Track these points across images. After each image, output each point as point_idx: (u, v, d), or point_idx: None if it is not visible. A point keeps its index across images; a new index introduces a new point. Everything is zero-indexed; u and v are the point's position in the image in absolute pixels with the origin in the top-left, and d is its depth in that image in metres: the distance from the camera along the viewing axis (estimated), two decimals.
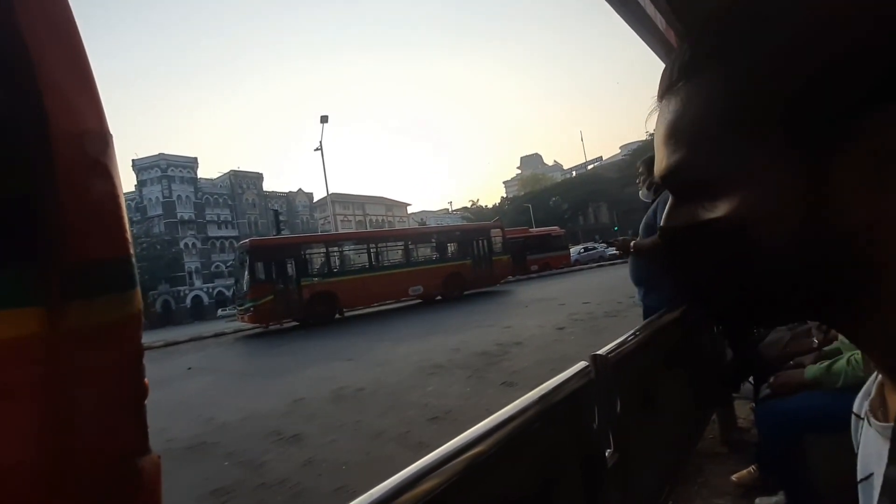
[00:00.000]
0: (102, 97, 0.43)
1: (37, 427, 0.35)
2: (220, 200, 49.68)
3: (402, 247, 15.77)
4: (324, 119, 23.34)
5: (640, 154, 29.56)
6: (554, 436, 1.05)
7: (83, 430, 0.38)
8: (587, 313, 7.99)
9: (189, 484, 2.98)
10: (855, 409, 0.36)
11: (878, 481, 0.29)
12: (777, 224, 0.25)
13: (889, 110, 0.21)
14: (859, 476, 0.32)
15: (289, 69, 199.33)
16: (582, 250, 29.54)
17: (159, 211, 45.09)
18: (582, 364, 1.21)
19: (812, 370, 1.62)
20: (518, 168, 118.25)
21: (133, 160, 45.39)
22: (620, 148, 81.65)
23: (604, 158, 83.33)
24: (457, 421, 3.49)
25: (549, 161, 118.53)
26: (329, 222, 46.12)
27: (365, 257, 15.09)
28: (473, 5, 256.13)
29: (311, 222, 56.83)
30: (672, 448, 1.89)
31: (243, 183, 52.03)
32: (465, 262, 16.43)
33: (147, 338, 0.46)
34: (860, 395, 0.35)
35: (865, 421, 0.32)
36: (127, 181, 44.53)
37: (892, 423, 0.28)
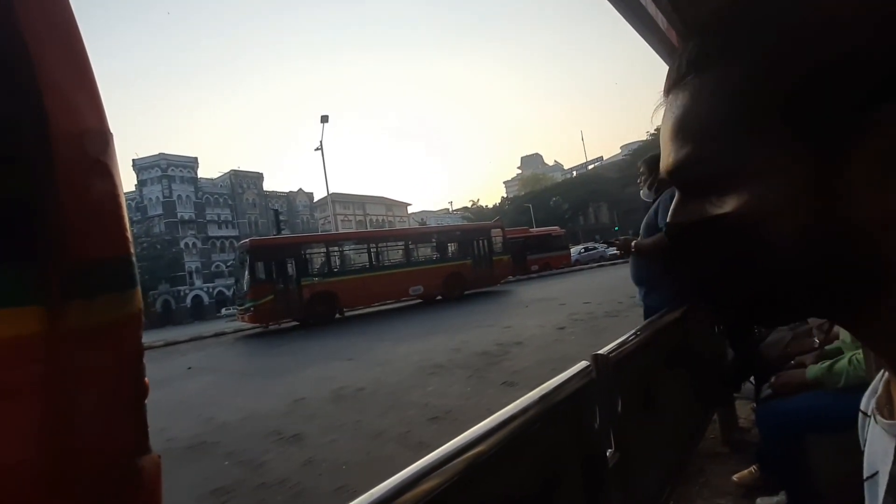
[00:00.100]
0: (103, 97, 0.43)
1: (37, 426, 0.35)
2: (221, 200, 49.70)
3: (403, 247, 15.77)
4: (324, 119, 23.36)
5: (640, 154, 29.54)
6: (555, 436, 1.05)
7: (83, 429, 0.38)
8: (588, 313, 7.98)
9: (189, 483, 2.98)
10: (862, 406, 0.35)
11: (883, 479, 0.29)
12: (787, 220, 0.24)
13: None
14: (865, 474, 0.32)
15: (289, 69, 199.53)
16: (582, 250, 29.52)
17: (159, 211, 45.11)
18: (583, 364, 1.21)
19: (813, 370, 1.62)
20: (518, 168, 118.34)
21: (133, 160, 45.47)
22: (621, 148, 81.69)
23: (604, 158, 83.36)
24: (457, 421, 3.49)
25: (549, 161, 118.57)
26: (329, 222, 46.16)
27: (365, 257, 15.09)
28: (474, 5, 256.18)
29: (311, 222, 56.85)
30: (673, 448, 1.89)
31: (244, 183, 52.06)
32: (466, 262, 16.42)
33: (147, 337, 0.46)
34: (868, 392, 0.35)
35: (872, 418, 0.32)
36: (127, 181, 44.57)
37: None
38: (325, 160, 24.20)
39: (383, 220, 62.15)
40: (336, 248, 14.68)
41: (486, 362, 5.32)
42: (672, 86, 0.30)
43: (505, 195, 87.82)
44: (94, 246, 0.41)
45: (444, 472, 0.70)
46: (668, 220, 0.31)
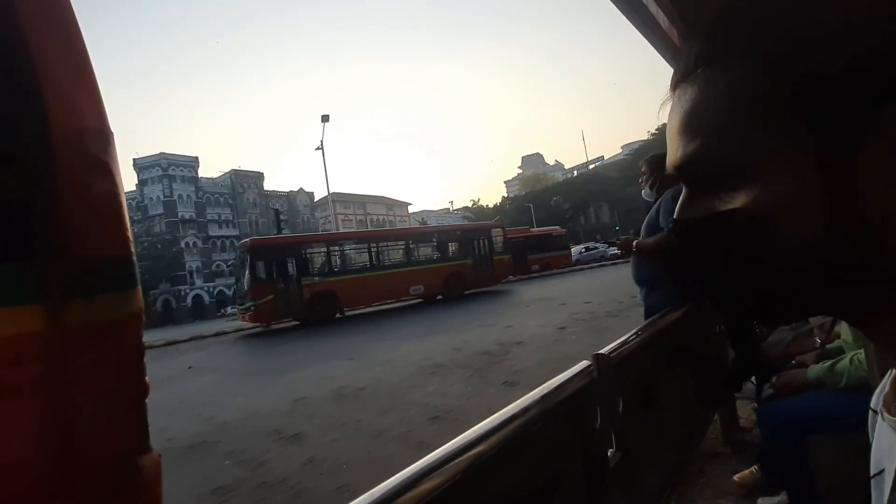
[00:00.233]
0: (103, 96, 0.43)
1: (37, 426, 0.35)
2: (221, 200, 49.76)
3: (403, 246, 15.77)
4: (325, 118, 23.37)
5: (642, 153, 29.55)
6: (556, 435, 1.05)
7: (84, 428, 0.37)
8: (588, 313, 7.98)
9: (190, 483, 2.98)
10: (872, 404, 0.35)
11: (889, 476, 0.29)
12: (799, 215, 0.24)
13: None
14: (872, 471, 0.32)
15: (289, 69, 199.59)
16: (583, 250, 29.53)
17: (160, 210, 45.17)
18: (584, 363, 1.20)
19: (815, 370, 1.61)
20: (519, 167, 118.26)
21: (134, 159, 45.53)
22: (622, 147, 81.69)
23: (605, 158, 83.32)
24: (458, 420, 3.49)
25: (550, 160, 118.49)
26: (330, 221, 46.21)
27: (366, 257, 15.10)
28: (475, 4, 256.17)
29: (311, 221, 56.89)
30: (674, 448, 1.88)
31: (244, 182, 52.10)
32: (466, 262, 16.42)
33: (148, 337, 0.46)
34: (877, 390, 0.35)
35: (880, 416, 0.32)
36: (128, 180, 44.64)
37: None
38: (326, 160, 24.24)
39: (384, 219, 62.18)
40: (336, 248, 14.69)
41: (486, 362, 5.32)
42: (680, 80, 0.29)
43: (506, 195, 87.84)
44: (94, 245, 0.40)
45: (444, 472, 0.70)
46: (674, 216, 0.31)
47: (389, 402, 4.27)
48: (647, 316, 2.26)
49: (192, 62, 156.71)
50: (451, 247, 16.82)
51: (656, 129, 49.54)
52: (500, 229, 17.92)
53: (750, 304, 0.29)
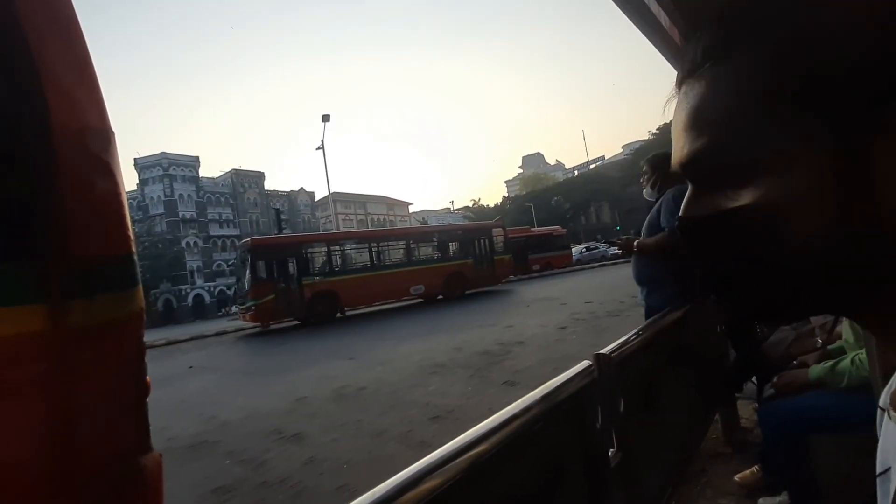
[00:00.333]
0: (104, 95, 0.43)
1: (38, 425, 0.35)
2: (222, 199, 49.79)
3: (404, 246, 15.77)
4: (325, 118, 23.37)
5: (642, 153, 29.51)
6: (557, 435, 1.05)
7: (85, 428, 0.37)
8: (589, 313, 7.98)
9: (190, 482, 2.99)
10: (880, 402, 0.35)
11: None
12: (810, 210, 0.24)
13: None
14: (878, 469, 0.31)
15: (290, 68, 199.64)
16: (584, 250, 29.51)
17: (161, 210, 45.20)
18: (585, 363, 1.20)
19: (816, 370, 1.61)
20: (520, 167, 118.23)
21: (135, 159, 45.57)
22: (623, 147, 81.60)
23: (606, 158, 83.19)
24: (459, 420, 3.49)
25: (551, 160, 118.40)
26: (331, 221, 46.24)
27: (366, 256, 15.10)
28: (476, 4, 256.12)
29: (312, 221, 56.92)
30: (675, 448, 1.88)
31: (245, 182, 52.13)
32: (467, 262, 16.42)
33: (149, 336, 0.46)
34: (886, 388, 0.34)
35: (886, 413, 0.32)
36: (129, 180, 44.70)
37: None
38: (327, 159, 24.26)
39: (384, 219, 62.19)
40: (337, 248, 14.69)
41: (487, 362, 5.32)
42: (686, 77, 0.29)
43: (506, 194, 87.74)
44: (95, 244, 0.40)
45: (445, 472, 0.70)
46: (680, 214, 0.30)
47: (390, 401, 4.27)
48: (647, 316, 2.26)
49: (193, 62, 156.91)
50: (452, 246, 16.82)
51: (657, 129, 49.50)
52: (500, 229, 17.92)
53: (756, 301, 0.28)
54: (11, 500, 0.34)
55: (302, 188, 58.61)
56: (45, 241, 0.37)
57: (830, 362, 1.58)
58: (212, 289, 45.58)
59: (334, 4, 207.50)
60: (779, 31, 0.24)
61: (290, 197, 56.88)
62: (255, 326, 13.26)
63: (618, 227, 39.73)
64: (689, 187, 0.31)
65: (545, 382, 1.06)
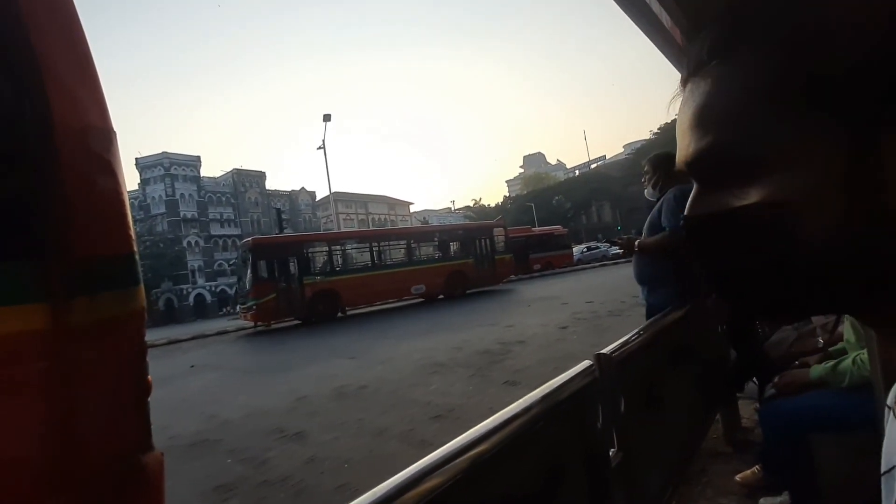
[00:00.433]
0: (106, 95, 0.43)
1: (40, 423, 0.35)
2: (223, 199, 49.80)
3: (405, 245, 15.78)
4: (326, 118, 23.38)
5: (644, 153, 29.47)
6: (558, 435, 1.05)
7: (87, 426, 0.38)
8: (590, 312, 7.98)
9: (192, 481, 2.99)
10: (889, 401, 0.35)
11: None
12: (819, 208, 0.23)
13: None
14: (883, 468, 0.31)
15: (291, 68, 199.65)
16: (585, 249, 29.49)
17: (162, 209, 45.23)
18: (586, 363, 1.20)
19: (817, 370, 1.61)
20: (521, 167, 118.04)
21: (136, 158, 45.59)
22: (624, 147, 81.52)
23: (607, 157, 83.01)
24: (460, 419, 3.49)
25: (552, 160, 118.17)
26: (331, 221, 46.24)
27: (367, 256, 15.11)
28: (477, 4, 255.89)
29: (313, 221, 56.91)
30: (676, 448, 1.88)
31: (246, 181, 52.13)
32: (468, 261, 16.42)
33: (150, 335, 0.46)
34: (894, 387, 0.34)
35: (892, 412, 0.31)
36: (130, 180, 44.77)
37: None
38: (328, 159, 24.27)
39: (385, 219, 62.19)
40: (338, 247, 14.71)
41: (488, 361, 5.32)
42: (691, 74, 0.29)
43: (507, 194, 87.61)
44: (97, 243, 0.41)
45: (446, 471, 0.70)
46: (685, 212, 0.30)
47: (391, 400, 4.28)
48: (649, 315, 2.26)
49: (194, 62, 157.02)
50: (453, 246, 16.82)
51: (658, 129, 49.46)
52: (501, 229, 17.93)
53: (762, 300, 0.28)
54: (13, 499, 0.34)
55: (303, 188, 58.63)
56: (46, 240, 0.37)
57: (832, 362, 1.58)
58: (213, 288, 45.61)
59: (335, 4, 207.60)
60: (788, 28, 0.24)
61: (291, 196, 56.88)
62: (256, 325, 13.27)
63: (619, 227, 39.69)
64: (695, 186, 0.30)
65: (546, 382, 1.06)
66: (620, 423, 1.27)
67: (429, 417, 3.67)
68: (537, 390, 1.01)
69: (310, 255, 13.89)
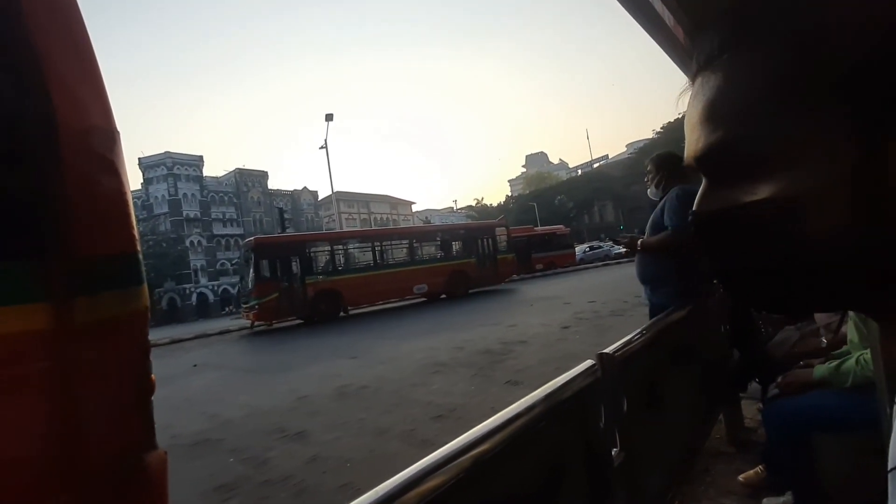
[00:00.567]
0: (109, 95, 0.43)
1: (43, 422, 0.35)
2: (226, 198, 49.87)
3: (407, 245, 15.78)
4: (329, 117, 23.37)
5: (646, 152, 29.41)
6: (560, 434, 1.05)
7: (90, 425, 0.38)
8: (593, 312, 7.96)
9: (193, 480, 3.00)
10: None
11: None
12: (830, 204, 0.23)
13: None
14: (889, 465, 0.31)
15: (294, 68, 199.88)
16: (587, 249, 29.44)
17: (165, 209, 45.32)
18: (588, 363, 1.20)
19: (820, 370, 1.60)
20: (523, 166, 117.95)
21: (139, 158, 45.69)
22: (627, 146, 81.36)
23: (610, 157, 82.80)
24: (461, 419, 3.49)
25: (554, 159, 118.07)
26: (334, 220, 46.19)
27: (369, 255, 15.12)
28: (479, 4, 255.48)
29: (315, 220, 56.94)
30: (678, 447, 1.88)
31: (248, 181, 52.19)
32: (470, 261, 16.42)
33: (153, 335, 0.46)
34: None
35: None
36: (133, 179, 44.81)
37: None
38: (330, 159, 24.26)
39: (387, 218, 62.22)
40: (340, 247, 14.72)
41: (490, 361, 5.32)
42: (701, 69, 0.28)
43: (509, 194, 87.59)
44: (101, 243, 0.41)
45: (448, 471, 0.70)
46: (694, 208, 0.30)
47: (392, 400, 4.28)
48: (651, 314, 2.26)
49: (196, 62, 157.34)
50: (455, 246, 16.81)
51: (661, 128, 49.31)
52: (503, 228, 17.90)
53: (770, 296, 0.28)
54: (15, 498, 0.34)
55: (305, 187, 58.62)
56: (49, 239, 0.37)
57: (835, 362, 1.57)
58: (215, 288, 45.70)
59: (335, 4, 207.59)
60: (802, 22, 0.24)
61: (293, 196, 56.92)
62: (254, 325, 13.29)
63: (621, 227, 39.63)
64: (704, 181, 0.30)
65: (548, 382, 1.06)
66: (623, 423, 1.27)
67: (430, 417, 3.67)
68: (539, 390, 1.01)
69: (312, 254, 13.91)
